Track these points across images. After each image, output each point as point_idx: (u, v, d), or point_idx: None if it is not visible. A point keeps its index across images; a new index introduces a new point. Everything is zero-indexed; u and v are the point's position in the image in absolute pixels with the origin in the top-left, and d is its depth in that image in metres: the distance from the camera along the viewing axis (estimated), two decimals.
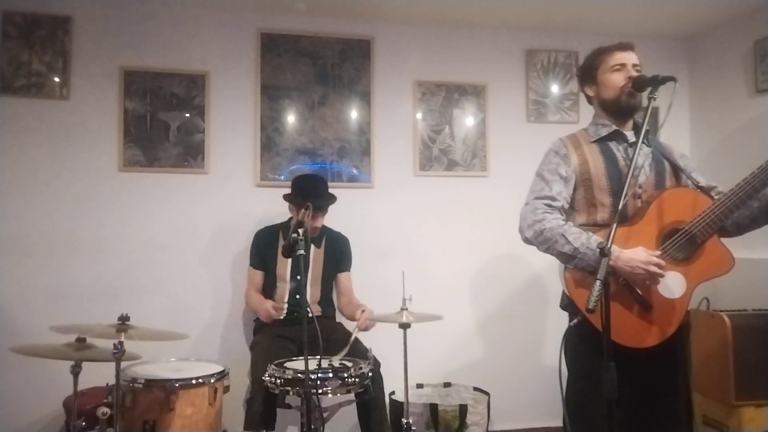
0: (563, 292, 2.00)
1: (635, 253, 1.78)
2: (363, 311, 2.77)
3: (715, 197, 1.87)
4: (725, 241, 1.90)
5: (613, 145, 2.00)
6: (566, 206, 1.97)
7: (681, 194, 1.91)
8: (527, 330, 3.64)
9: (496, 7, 3.43)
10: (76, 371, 2.01)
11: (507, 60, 3.73)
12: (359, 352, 2.61)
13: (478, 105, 3.67)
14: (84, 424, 2.11)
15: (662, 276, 1.78)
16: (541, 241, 1.89)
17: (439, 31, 3.64)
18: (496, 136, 3.68)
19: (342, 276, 3.12)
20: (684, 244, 1.84)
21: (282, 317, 2.95)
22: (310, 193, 2.96)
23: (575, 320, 1.81)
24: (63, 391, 2.59)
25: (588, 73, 2.06)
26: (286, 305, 2.97)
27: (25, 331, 2.95)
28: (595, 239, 1.81)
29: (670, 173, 2.00)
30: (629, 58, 1.98)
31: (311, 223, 2.92)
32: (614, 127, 2.00)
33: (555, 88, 3.75)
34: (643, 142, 1.80)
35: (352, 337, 2.62)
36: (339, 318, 3.11)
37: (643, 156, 1.95)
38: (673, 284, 1.83)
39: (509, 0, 3.33)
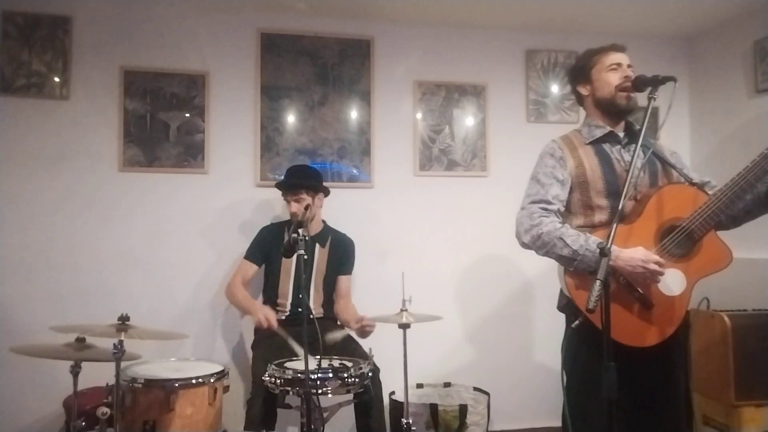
0: (560, 294, 2.00)
1: (635, 252, 1.78)
2: (363, 319, 2.75)
3: (710, 192, 1.87)
4: (723, 236, 1.91)
5: (607, 146, 2.00)
6: (562, 209, 1.96)
7: (677, 191, 1.91)
8: (527, 330, 3.65)
9: (496, 7, 3.43)
10: (76, 371, 2.01)
11: (507, 60, 3.73)
12: (359, 355, 2.61)
13: (478, 105, 3.67)
14: (84, 424, 2.11)
15: (662, 274, 1.78)
16: (540, 245, 1.89)
17: (439, 31, 3.64)
18: (496, 136, 3.68)
19: (342, 279, 3.10)
20: (682, 241, 1.84)
21: (283, 317, 2.95)
22: (293, 175, 3.01)
23: (577, 322, 1.80)
24: (63, 391, 2.60)
25: (582, 72, 2.06)
26: (289, 307, 2.96)
27: (25, 331, 2.95)
28: (593, 240, 1.80)
29: (662, 172, 2.01)
30: (624, 58, 2.01)
31: (291, 206, 2.93)
32: (608, 129, 2.00)
33: (555, 88, 3.75)
34: (645, 145, 1.80)
35: (343, 332, 2.60)
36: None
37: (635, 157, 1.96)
38: (673, 281, 1.83)
39: (509, 0, 3.33)
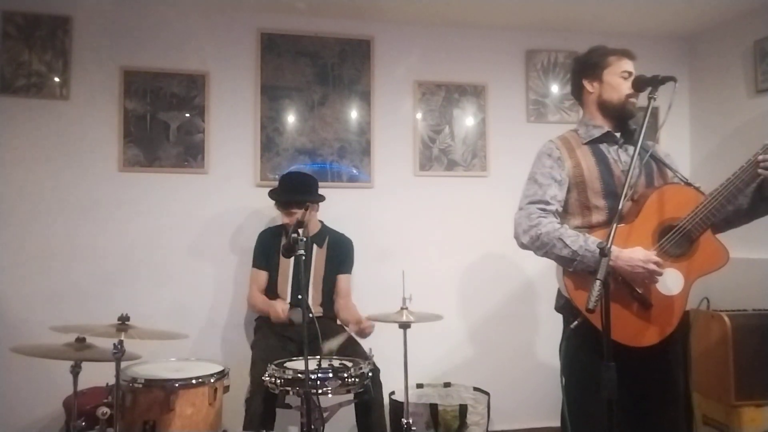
0: (558, 294, 2.00)
1: (634, 252, 1.78)
2: (367, 318, 2.76)
3: (707, 193, 1.88)
4: (722, 236, 1.91)
5: (604, 146, 2.00)
6: (560, 210, 1.96)
7: (674, 191, 1.91)
8: (527, 330, 3.64)
9: (496, 7, 3.43)
10: (76, 371, 2.01)
11: (507, 60, 3.73)
12: (359, 355, 2.61)
13: (478, 105, 3.67)
14: (84, 424, 2.11)
15: (660, 274, 1.79)
16: (539, 245, 1.89)
17: (439, 31, 3.64)
18: (496, 136, 3.68)
19: (341, 278, 3.10)
20: (680, 240, 1.84)
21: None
22: (285, 189, 2.99)
23: (575, 322, 1.81)
24: (63, 391, 2.60)
25: (594, 69, 2.04)
26: (288, 305, 2.96)
27: (25, 331, 2.95)
28: (593, 240, 1.81)
29: (657, 172, 2.02)
30: (633, 67, 2.01)
31: (283, 218, 2.94)
32: (606, 129, 2.00)
33: (555, 88, 3.75)
34: (641, 146, 1.80)
35: (345, 336, 2.61)
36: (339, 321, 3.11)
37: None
38: (671, 281, 1.83)
39: (509, 0, 3.33)
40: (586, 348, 1.80)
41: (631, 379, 1.76)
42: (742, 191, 1.80)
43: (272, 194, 3.04)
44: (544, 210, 1.91)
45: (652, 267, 1.76)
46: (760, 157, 1.75)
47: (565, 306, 1.94)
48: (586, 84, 2.06)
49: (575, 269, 1.83)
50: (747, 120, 3.48)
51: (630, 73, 1.99)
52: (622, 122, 2.03)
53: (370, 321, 2.72)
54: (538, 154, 2.04)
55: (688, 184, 1.94)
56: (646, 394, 1.88)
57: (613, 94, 1.99)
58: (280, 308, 2.83)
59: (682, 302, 1.85)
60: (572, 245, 1.81)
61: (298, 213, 2.85)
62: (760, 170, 1.76)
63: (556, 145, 2.02)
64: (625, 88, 1.98)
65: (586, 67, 2.07)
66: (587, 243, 1.80)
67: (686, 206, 1.85)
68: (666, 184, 1.98)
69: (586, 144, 2.01)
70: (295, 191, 2.97)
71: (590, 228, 1.93)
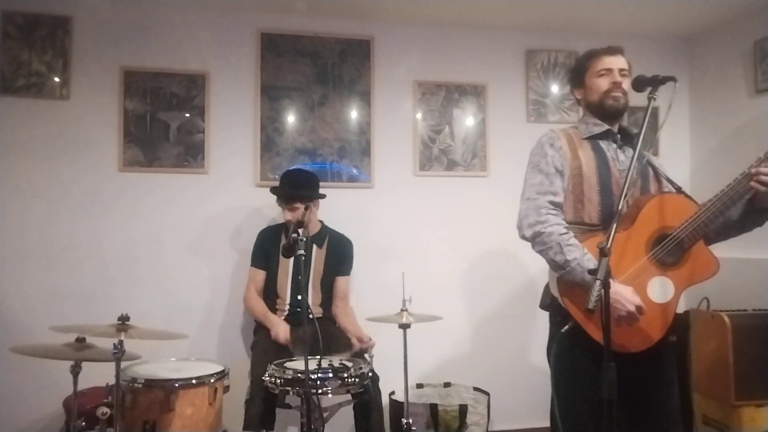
0: (544, 292, 2.00)
1: (624, 289, 1.76)
2: (370, 339, 2.77)
3: (700, 203, 1.88)
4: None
5: (604, 144, 2.01)
6: (562, 201, 1.95)
7: (670, 200, 1.92)
8: (527, 330, 3.64)
9: (496, 7, 3.43)
10: (76, 371, 2.01)
11: (507, 60, 3.73)
12: (359, 356, 2.61)
13: (478, 105, 3.67)
14: (84, 424, 2.11)
15: (638, 320, 1.76)
16: (538, 242, 1.88)
17: (439, 31, 3.64)
18: (496, 136, 3.68)
19: (340, 280, 3.09)
20: (673, 249, 1.85)
21: (282, 318, 2.95)
22: (287, 184, 2.99)
23: (567, 326, 1.81)
24: (63, 391, 2.60)
25: (577, 76, 2.08)
26: (287, 307, 2.96)
27: (25, 331, 2.95)
28: (588, 258, 1.78)
29: (653, 177, 2.02)
30: (616, 62, 1.99)
31: (285, 214, 2.94)
32: (606, 127, 2.01)
33: (555, 88, 3.75)
34: (637, 146, 1.80)
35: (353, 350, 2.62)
36: None
37: (629, 159, 1.96)
38: (662, 288, 1.85)
39: (509, 0, 3.34)
40: (576, 350, 1.80)
41: (626, 381, 1.76)
42: (736, 203, 1.81)
43: (274, 190, 3.03)
44: (553, 204, 1.90)
45: (633, 310, 1.74)
46: (754, 170, 1.76)
47: (552, 305, 1.94)
48: (575, 93, 2.11)
49: (562, 277, 1.83)
50: (747, 120, 3.48)
51: (609, 70, 1.98)
52: (615, 118, 2.02)
53: (372, 342, 2.73)
54: (539, 142, 2.03)
55: (680, 191, 1.96)
56: (642, 396, 1.87)
57: (593, 95, 2.01)
58: (282, 332, 2.78)
59: (672, 310, 1.86)
60: (567, 255, 1.80)
61: (300, 208, 2.86)
62: (753, 183, 1.76)
63: (558, 135, 2.02)
64: (604, 85, 1.98)
65: (572, 78, 2.12)
66: (583, 259, 1.78)
67: (681, 216, 1.86)
68: (662, 192, 1.99)
69: (585, 139, 2.01)
70: (298, 186, 2.97)
71: (582, 225, 1.93)
